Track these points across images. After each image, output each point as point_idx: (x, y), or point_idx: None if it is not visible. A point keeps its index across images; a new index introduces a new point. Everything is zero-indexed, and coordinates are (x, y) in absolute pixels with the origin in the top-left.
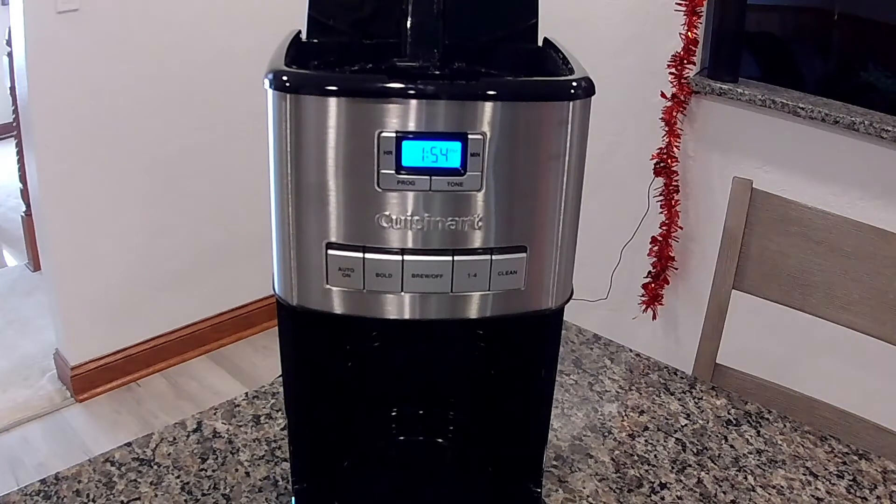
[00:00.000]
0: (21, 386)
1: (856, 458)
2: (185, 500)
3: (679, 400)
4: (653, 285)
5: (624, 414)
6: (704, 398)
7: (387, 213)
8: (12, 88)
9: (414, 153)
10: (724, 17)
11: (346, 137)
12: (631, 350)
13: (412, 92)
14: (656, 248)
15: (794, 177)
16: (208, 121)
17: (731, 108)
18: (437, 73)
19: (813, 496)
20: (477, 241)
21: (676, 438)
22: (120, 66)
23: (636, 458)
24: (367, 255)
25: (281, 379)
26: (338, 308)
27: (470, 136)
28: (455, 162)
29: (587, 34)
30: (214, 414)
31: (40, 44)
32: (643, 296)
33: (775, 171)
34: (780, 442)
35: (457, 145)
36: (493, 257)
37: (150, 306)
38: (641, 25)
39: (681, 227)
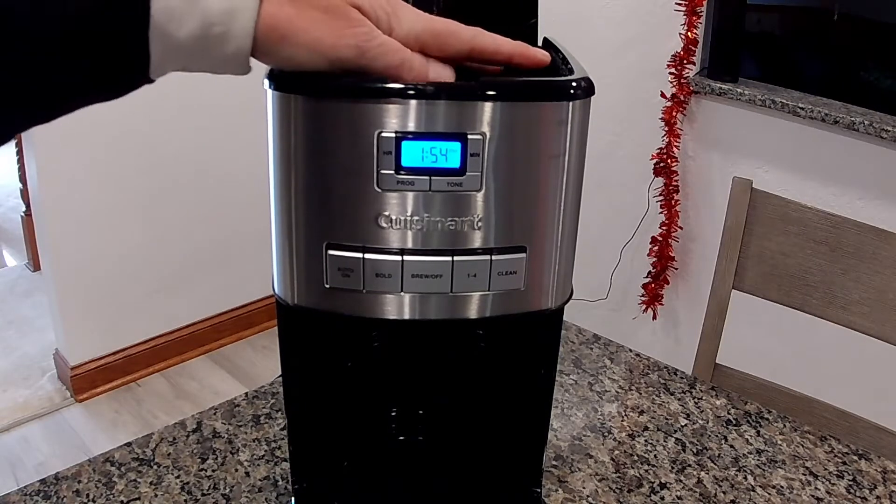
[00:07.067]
0: (21, 386)
1: (856, 458)
2: (185, 500)
3: (679, 400)
4: (653, 285)
5: (624, 414)
6: (704, 398)
7: (386, 213)
8: None
9: (413, 153)
10: (723, 17)
11: (346, 138)
12: (631, 350)
13: (412, 92)
14: (656, 248)
15: (794, 177)
16: (208, 120)
17: (731, 108)
18: None
19: (813, 496)
20: (477, 241)
21: (676, 438)
22: None
23: (636, 458)
24: (367, 256)
25: (281, 379)
26: (338, 308)
27: (469, 137)
28: (455, 162)
29: (587, 34)
30: (214, 414)
31: None
32: (643, 296)
33: (775, 171)
34: (779, 442)
35: (456, 145)
36: (493, 257)
37: (150, 306)
38: (641, 25)
39: (681, 227)
